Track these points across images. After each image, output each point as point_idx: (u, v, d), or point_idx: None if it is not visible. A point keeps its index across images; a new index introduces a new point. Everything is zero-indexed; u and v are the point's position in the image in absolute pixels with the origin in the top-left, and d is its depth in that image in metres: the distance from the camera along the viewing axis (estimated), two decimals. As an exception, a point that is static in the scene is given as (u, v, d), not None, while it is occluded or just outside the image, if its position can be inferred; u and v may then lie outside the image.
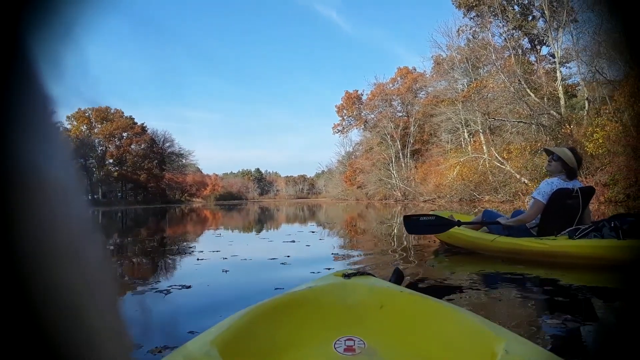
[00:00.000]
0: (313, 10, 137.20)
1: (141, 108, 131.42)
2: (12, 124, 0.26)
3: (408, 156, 50.87)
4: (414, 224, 5.50)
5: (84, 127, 66.81)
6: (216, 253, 5.78)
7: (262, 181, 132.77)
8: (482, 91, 33.46)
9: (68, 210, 0.30)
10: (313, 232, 9.07)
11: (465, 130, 37.39)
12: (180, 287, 3.58)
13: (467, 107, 35.24)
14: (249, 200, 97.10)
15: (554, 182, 4.71)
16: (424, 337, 1.45)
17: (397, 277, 2.17)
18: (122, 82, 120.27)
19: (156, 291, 3.48)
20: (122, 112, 69.00)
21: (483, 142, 33.81)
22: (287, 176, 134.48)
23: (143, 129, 70.17)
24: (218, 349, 1.17)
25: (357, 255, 5.47)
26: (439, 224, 5.44)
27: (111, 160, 67.79)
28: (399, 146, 51.64)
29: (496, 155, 31.23)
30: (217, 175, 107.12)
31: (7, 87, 0.26)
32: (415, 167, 48.30)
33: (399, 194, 48.02)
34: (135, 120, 69.80)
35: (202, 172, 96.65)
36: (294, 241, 6.89)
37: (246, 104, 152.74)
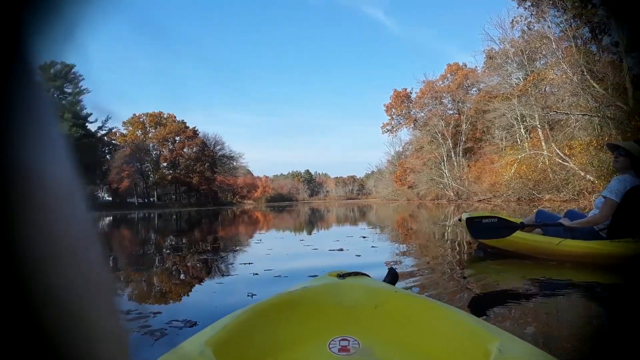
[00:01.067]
0: (359, 10, 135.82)
1: (191, 113, 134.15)
2: (11, 125, 0.26)
3: (460, 155, 49.04)
4: (478, 227, 5.04)
5: (139, 132, 68.24)
6: (248, 266, 4.89)
7: (311, 182, 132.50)
8: (540, 84, 31.45)
9: (67, 212, 0.30)
10: (364, 237, 7.99)
11: (521, 126, 35.38)
12: (182, 325, 2.64)
13: (524, 102, 33.27)
14: (299, 202, 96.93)
15: (627, 180, 4.33)
16: (418, 337, 1.44)
17: (392, 277, 2.06)
18: (173, 87, 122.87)
19: (145, 333, 2.54)
20: (175, 117, 70.20)
21: (542, 138, 31.82)
22: (336, 177, 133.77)
23: (194, 132, 71.08)
24: (212, 349, 1.16)
25: (420, 273, 4.37)
26: (503, 227, 4.95)
27: (165, 164, 68.96)
28: (451, 144, 49.82)
29: (557, 151, 29.23)
30: (267, 177, 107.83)
31: (8, 87, 0.26)
32: (468, 165, 46.50)
33: (452, 193, 46.31)
34: (187, 124, 70.78)
35: (252, 174, 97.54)
36: (342, 249, 5.97)
37: (294, 105, 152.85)
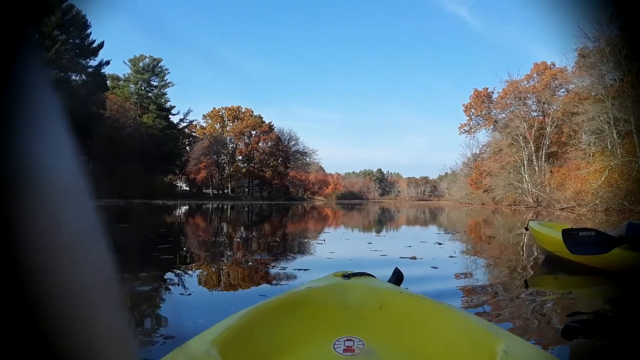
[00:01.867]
0: (440, 7, 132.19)
1: (268, 107, 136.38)
2: (17, 121, 0.26)
3: (542, 159, 46.29)
4: (575, 241, 4.44)
5: (218, 125, 70.01)
6: (302, 273, 4.19)
7: (383, 182, 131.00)
8: (638, 85, 28.76)
9: (72, 208, 0.30)
10: (440, 244, 7.10)
11: (614, 130, 32.61)
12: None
13: (618, 105, 30.62)
14: (369, 200, 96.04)
15: None
16: (423, 338, 1.43)
17: (397, 278, 2.00)
18: (252, 82, 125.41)
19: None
20: (252, 111, 71.41)
21: (637, 144, 29.14)
22: (408, 177, 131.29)
23: (270, 127, 71.95)
24: (218, 348, 1.16)
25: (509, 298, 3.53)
26: (601, 242, 4.35)
27: (240, 157, 70.31)
28: (532, 148, 47.12)
29: (656, 159, 26.62)
30: (339, 174, 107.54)
31: (13, 83, 0.26)
32: (551, 171, 43.80)
33: (531, 199, 43.83)
34: (264, 119, 71.78)
35: (324, 171, 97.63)
36: (414, 257, 5.10)
37: (369, 102, 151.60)
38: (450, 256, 5.54)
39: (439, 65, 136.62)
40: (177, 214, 19.20)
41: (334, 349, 1.42)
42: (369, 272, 1.86)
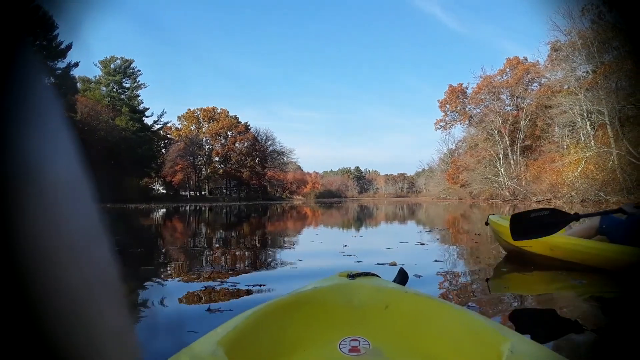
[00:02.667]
0: (414, 6, 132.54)
1: (248, 107, 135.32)
2: (17, 121, 0.26)
3: (517, 153, 46.45)
4: (523, 226, 3.98)
5: (193, 126, 68.89)
6: (257, 290, 3.48)
7: (361, 179, 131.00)
8: (611, 77, 28.82)
9: (73, 209, 0.29)
10: (422, 244, 6.46)
11: (587, 122, 32.69)
12: None
13: (591, 97, 30.67)
14: (348, 198, 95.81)
15: None
16: (429, 338, 1.42)
17: (402, 278, 1.95)
18: (226, 82, 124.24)
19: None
20: (227, 112, 70.52)
21: (611, 135, 29.19)
22: (386, 174, 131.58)
23: (246, 127, 71.15)
24: (224, 349, 1.16)
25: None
26: (554, 222, 3.93)
27: (217, 158, 69.35)
28: (507, 142, 47.28)
29: (630, 149, 26.63)
30: (317, 173, 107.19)
31: (13, 83, 0.26)
32: (526, 164, 43.93)
33: (507, 193, 43.92)
34: (239, 119, 70.91)
35: (302, 170, 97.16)
36: (395, 264, 4.40)
37: (349, 102, 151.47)
38: (436, 260, 4.84)
39: (416, 64, 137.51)
40: (141, 221, 18.40)
41: (340, 349, 1.40)
42: (373, 272, 1.81)
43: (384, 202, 57.41)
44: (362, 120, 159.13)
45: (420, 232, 9.35)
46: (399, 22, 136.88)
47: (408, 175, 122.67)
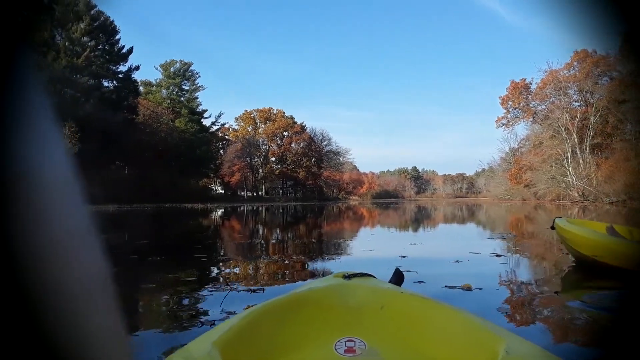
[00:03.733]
0: (470, 1, 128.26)
1: (299, 109, 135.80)
2: (8, 123, 0.26)
3: (587, 151, 43.60)
4: None
5: (250, 127, 69.40)
6: None
7: (418, 179, 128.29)
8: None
9: (64, 211, 0.29)
10: (498, 256, 5.45)
11: (667, 117, 29.99)
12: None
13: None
14: (405, 199, 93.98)
15: None
16: (425, 338, 1.42)
17: (398, 278, 1.96)
18: (284, 84, 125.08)
19: None
20: (284, 112, 70.56)
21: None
22: (444, 174, 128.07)
23: (302, 128, 70.98)
24: (220, 349, 1.16)
25: None
26: None
27: (273, 159, 69.52)
28: (576, 140, 44.46)
29: None
30: (373, 173, 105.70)
31: (5, 86, 0.26)
32: (597, 163, 41.11)
33: (576, 194, 41.31)
34: (295, 120, 70.85)
35: (358, 170, 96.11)
36: (470, 287, 3.38)
37: (402, 101, 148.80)
38: (524, 282, 3.85)
39: (473, 60, 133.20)
40: (201, 219, 18.13)
41: (335, 349, 1.40)
42: (369, 273, 1.79)
43: (442, 202, 55.55)
44: (418, 120, 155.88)
45: (491, 238, 8.28)
46: (455, 17, 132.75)
47: (467, 175, 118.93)
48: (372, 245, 7.19)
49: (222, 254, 5.96)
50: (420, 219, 17.80)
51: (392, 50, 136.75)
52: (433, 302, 1.55)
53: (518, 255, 5.88)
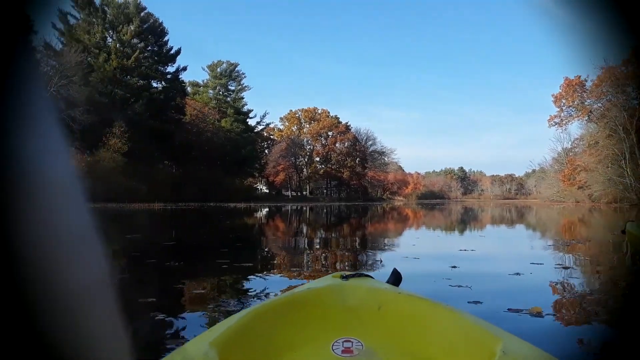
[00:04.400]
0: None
1: (343, 108, 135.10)
2: (11, 121, 0.26)
3: (647, 151, 41.04)
4: None
5: (294, 127, 69.36)
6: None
7: (465, 180, 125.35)
8: None
9: (66, 209, 0.29)
10: (565, 268, 4.70)
11: None
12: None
13: None
14: (451, 200, 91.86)
15: None
16: (422, 338, 1.41)
17: (395, 279, 1.91)
18: (329, 84, 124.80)
19: None
20: (328, 112, 70.22)
21: None
22: (492, 175, 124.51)
23: (347, 127, 70.44)
24: (217, 350, 1.15)
25: None
26: None
27: (318, 158, 69.25)
28: (634, 139, 41.91)
29: None
30: (418, 173, 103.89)
31: (8, 85, 0.26)
32: (658, 164, 38.66)
33: (635, 196, 38.96)
34: (340, 119, 70.34)
35: (403, 170, 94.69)
36: (539, 312, 2.70)
37: (448, 101, 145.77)
38: (607, 306, 2.96)
39: (522, 58, 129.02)
40: (239, 219, 17.89)
41: (333, 350, 1.39)
42: (367, 273, 1.77)
43: (490, 204, 53.58)
44: (463, 119, 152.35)
45: (552, 245, 7.44)
46: (504, 14, 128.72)
47: (516, 176, 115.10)
48: (416, 251, 6.48)
49: (246, 259, 5.47)
50: (468, 221, 16.91)
51: (438, 50, 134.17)
52: (431, 303, 1.52)
53: (589, 266, 5.06)
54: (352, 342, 1.42)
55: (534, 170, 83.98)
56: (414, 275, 4.25)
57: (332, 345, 1.41)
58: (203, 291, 3.73)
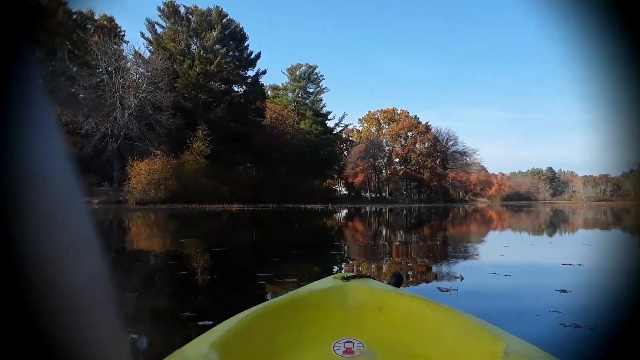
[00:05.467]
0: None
1: (424, 109, 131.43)
2: (8, 123, 0.26)
3: None
4: None
5: (373, 128, 68.03)
6: None
7: (554, 181, 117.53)
8: None
9: (64, 209, 0.29)
10: None
11: None
12: None
13: None
14: (539, 201, 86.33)
15: None
16: (423, 340, 1.40)
17: (397, 280, 1.90)
18: (408, 84, 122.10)
19: None
20: (407, 112, 68.27)
21: None
22: (585, 176, 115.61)
23: (427, 127, 68.08)
24: (217, 351, 1.13)
25: None
26: None
27: (397, 159, 67.45)
28: None
29: None
30: (503, 174, 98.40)
31: (7, 86, 0.26)
32: None
33: None
34: (420, 120, 68.16)
35: (486, 171, 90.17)
36: None
37: (534, 99, 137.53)
38: None
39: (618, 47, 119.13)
40: (310, 222, 16.95)
41: (334, 350, 1.38)
42: (368, 275, 1.76)
43: (583, 206, 49.15)
44: (548, 117, 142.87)
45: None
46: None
47: (612, 176, 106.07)
48: (505, 263, 5.10)
49: (292, 274, 4.38)
50: (563, 226, 14.82)
51: (516, 45, 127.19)
52: (432, 304, 1.51)
53: None
54: (353, 343, 1.40)
55: (631, 170, 76.64)
56: (512, 310, 2.93)
57: (334, 345, 1.38)
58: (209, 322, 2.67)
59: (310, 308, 1.54)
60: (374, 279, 1.75)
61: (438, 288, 3.71)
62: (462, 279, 4.19)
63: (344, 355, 1.35)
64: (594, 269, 5.16)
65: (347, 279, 1.69)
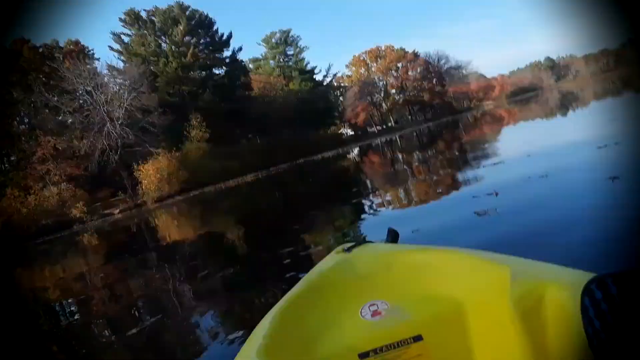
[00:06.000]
0: None
1: (409, 38, 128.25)
2: None
3: None
4: None
5: (363, 70, 66.78)
6: None
7: (555, 68, 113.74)
8: None
9: None
10: None
11: None
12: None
13: None
14: (544, 89, 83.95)
15: None
16: (436, 284, 1.43)
17: (393, 237, 1.88)
18: (386, 17, 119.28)
19: None
20: (392, 47, 66.72)
21: None
22: (584, 55, 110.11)
23: (415, 55, 66.64)
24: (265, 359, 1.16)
25: None
26: None
27: (394, 91, 66.31)
28: None
29: None
30: (502, 75, 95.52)
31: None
32: None
33: None
34: (406, 50, 66.59)
35: (485, 77, 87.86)
36: None
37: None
38: None
39: None
40: (323, 171, 16.41)
41: (363, 316, 1.40)
42: (365, 239, 1.79)
43: (589, 82, 46.43)
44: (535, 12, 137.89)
45: None
46: None
47: (611, 49, 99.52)
48: (536, 161, 4.31)
49: (314, 244, 3.98)
50: (574, 103, 13.43)
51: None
52: (434, 249, 1.57)
53: None
54: (377, 304, 1.41)
55: (630, 39, 72.04)
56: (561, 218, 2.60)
57: (361, 312, 1.40)
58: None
59: (328, 289, 1.54)
60: (372, 241, 1.75)
61: (475, 213, 3.26)
62: (496, 194, 3.71)
63: (374, 317, 1.37)
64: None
65: (348, 249, 1.70)
